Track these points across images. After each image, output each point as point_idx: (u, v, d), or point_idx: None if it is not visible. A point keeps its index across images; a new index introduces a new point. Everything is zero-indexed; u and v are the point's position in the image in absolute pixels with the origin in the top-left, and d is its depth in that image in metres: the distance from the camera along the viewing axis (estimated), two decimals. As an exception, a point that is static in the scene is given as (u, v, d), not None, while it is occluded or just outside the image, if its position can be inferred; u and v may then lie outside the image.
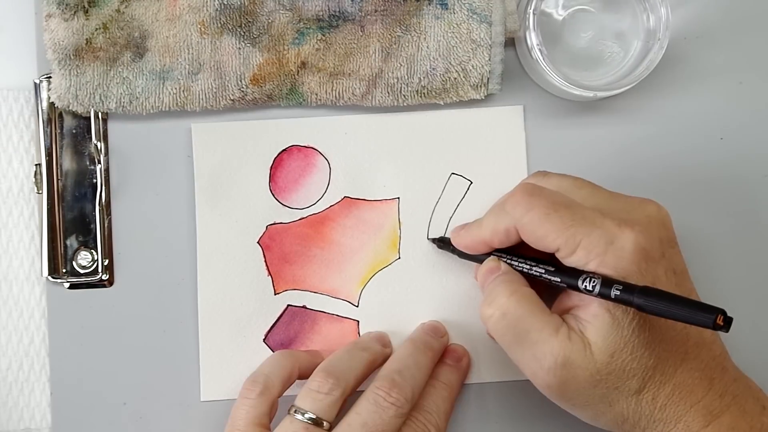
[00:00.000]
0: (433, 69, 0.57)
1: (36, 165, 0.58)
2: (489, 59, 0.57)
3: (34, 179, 0.58)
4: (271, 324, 0.58)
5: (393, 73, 0.57)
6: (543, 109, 0.59)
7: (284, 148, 0.59)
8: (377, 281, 0.58)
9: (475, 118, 0.59)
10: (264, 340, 0.58)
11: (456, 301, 0.58)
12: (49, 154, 0.58)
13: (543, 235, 0.49)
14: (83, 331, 0.58)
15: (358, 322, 0.58)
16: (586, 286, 0.47)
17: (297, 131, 0.59)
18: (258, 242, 0.58)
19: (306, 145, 0.59)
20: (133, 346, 0.58)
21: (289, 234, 0.58)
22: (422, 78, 0.57)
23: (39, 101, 0.58)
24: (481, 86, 0.57)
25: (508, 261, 0.53)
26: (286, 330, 0.58)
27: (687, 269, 0.50)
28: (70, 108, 0.57)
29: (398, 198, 0.58)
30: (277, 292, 0.58)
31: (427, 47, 0.57)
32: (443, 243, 0.57)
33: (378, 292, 0.58)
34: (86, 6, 0.57)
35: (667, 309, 0.45)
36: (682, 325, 0.48)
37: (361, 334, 0.58)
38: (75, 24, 0.57)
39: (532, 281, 0.52)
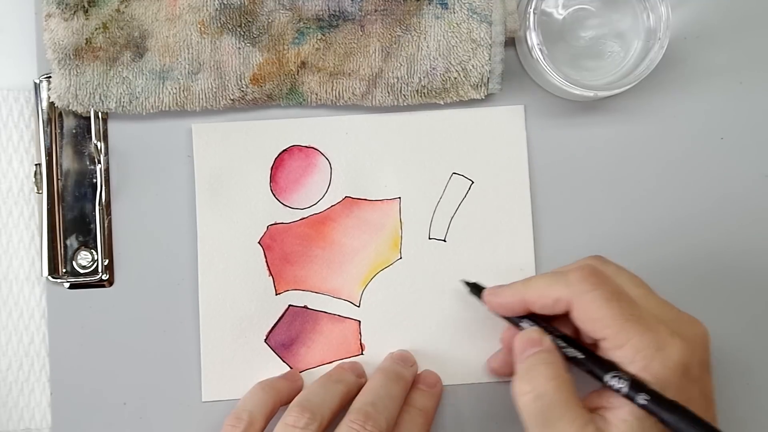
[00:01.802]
0: (433, 69, 0.57)
1: (36, 165, 0.58)
2: (489, 59, 0.57)
3: (34, 179, 0.58)
4: (272, 324, 0.58)
5: (393, 72, 0.57)
6: (543, 108, 0.59)
7: (285, 148, 0.59)
8: (378, 281, 0.58)
9: (476, 117, 0.59)
10: (265, 340, 0.58)
11: (457, 301, 0.58)
12: (49, 154, 0.58)
13: (598, 318, 0.48)
14: (83, 331, 0.58)
15: (359, 322, 0.58)
16: (614, 384, 0.47)
17: (298, 131, 0.59)
18: (259, 242, 0.58)
19: (307, 145, 0.59)
20: (133, 346, 0.58)
21: (290, 234, 0.58)
22: (422, 78, 0.57)
23: (39, 101, 0.58)
24: (481, 86, 0.57)
25: (549, 333, 0.51)
26: (288, 330, 0.58)
27: (714, 397, 0.49)
28: (70, 108, 0.57)
29: (399, 198, 0.59)
30: (278, 292, 0.58)
31: (427, 47, 0.57)
32: (476, 288, 0.55)
33: (379, 292, 0.58)
34: (86, 6, 0.57)
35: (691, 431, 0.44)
36: None
37: (362, 334, 0.58)
38: (75, 24, 0.56)
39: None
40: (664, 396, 0.46)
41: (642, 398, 0.45)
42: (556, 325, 0.51)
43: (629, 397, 0.46)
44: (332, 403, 0.54)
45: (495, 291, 0.53)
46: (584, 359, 0.49)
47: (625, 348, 0.47)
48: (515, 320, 0.52)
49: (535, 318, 0.52)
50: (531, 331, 0.51)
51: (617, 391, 0.46)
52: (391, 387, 0.54)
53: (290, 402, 0.54)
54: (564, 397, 0.48)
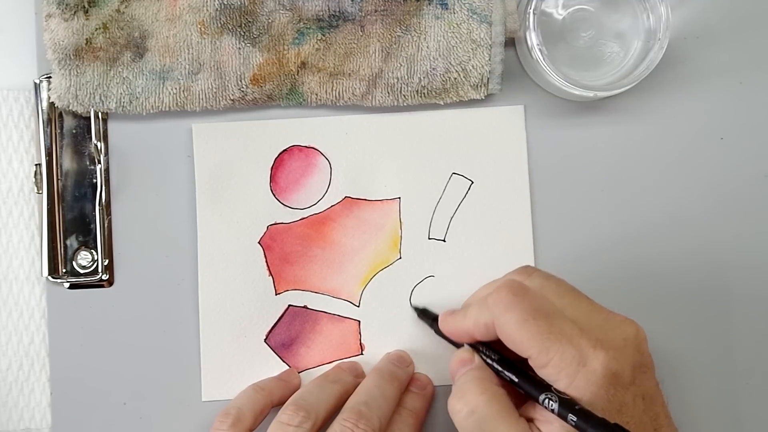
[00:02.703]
0: (433, 69, 0.57)
1: (36, 165, 0.58)
2: (489, 59, 0.57)
3: (34, 179, 0.58)
4: (272, 324, 0.58)
5: (393, 73, 0.57)
6: (543, 109, 0.59)
7: (285, 148, 0.59)
8: (378, 281, 0.58)
9: (476, 118, 0.59)
10: (265, 340, 0.58)
11: (456, 301, 0.58)
12: (49, 154, 0.58)
13: (517, 340, 0.47)
14: (83, 331, 0.58)
15: (359, 322, 0.58)
16: (546, 404, 0.47)
17: (298, 131, 0.59)
18: (259, 242, 0.58)
19: (307, 145, 0.59)
20: (133, 346, 0.58)
21: (290, 234, 0.58)
22: (422, 78, 0.57)
23: (39, 101, 0.58)
24: (481, 86, 0.57)
25: (483, 354, 0.51)
26: (287, 330, 0.58)
27: (659, 392, 0.49)
28: (70, 108, 0.57)
29: (399, 198, 0.59)
30: (278, 292, 0.58)
31: (427, 47, 0.57)
32: (424, 315, 0.57)
33: (379, 292, 0.58)
34: (86, 6, 0.57)
35: None
36: None
37: (362, 334, 0.58)
38: (75, 24, 0.56)
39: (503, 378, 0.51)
40: (591, 413, 0.45)
41: (570, 418, 0.45)
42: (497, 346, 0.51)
43: (561, 415, 0.46)
44: (327, 402, 0.54)
45: (444, 319, 0.54)
46: (519, 382, 0.49)
47: (548, 367, 0.47)
48: (458, 345, 0.53)
49: (483, 343, 0.52)
50: (462, 351, 0.52)
51: (551, 410, 0.46)
52: (386, 387, 0.55)
53: (285, 402, 0.54)
54: (496, 409, 0.48)
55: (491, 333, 0.49)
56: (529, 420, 0.48)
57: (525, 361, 0.48)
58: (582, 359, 0.46)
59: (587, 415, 0.45)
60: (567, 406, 0.46)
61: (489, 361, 0.51)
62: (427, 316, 0.57)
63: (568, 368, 0.46)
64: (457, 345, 0.53)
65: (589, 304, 0.50)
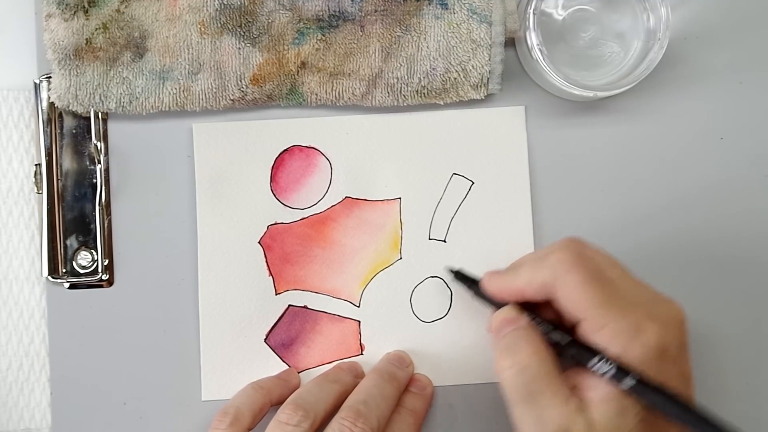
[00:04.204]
0: (433, 69, 0.57)
1: (36, 165, 0.58)
2: (489, 59, 0.57)
3: (34, 179, 0.58)
4: (272, 324, 0.58)
5: (393, 73, 0.57)
6: (543, 109, 0.59)
7: (285, 148, 0.59)
8: (378, 281, 0.58)
9: (477, 118, 0.59)
10: (265, 340, 0.58)
11: (457, 302, 0.58)
12: (49, 154, 0.58)
13: (577, 300, 0.48)
14: (83, 331, 0.58)
15: (359, 322, 0.58)
16: (600, 367, 0.47)
17: (298, 131, 0.59)
18: (259, 242, 0.58)
19: (307, 145, 0.59)
20: (133, 346, 0.58)
21: (290, 234, 0.58)
22: (422, 78, 0.57)
23: (39, 101, 0.58)
24: (481, 86, 0.57)
25: (530, 317, 0.51)
26: (287, 330, 0.58)
27: (692, 377, 0.50)
28: (70, 108, 0.57)
29: (400, 198, 0.59)
30: (278, 292, 0.58)
31: (427, 47, 0.57)
32: (462, 277, 0.56)
33: (379, 292, 0.58)
34: (86, 6, 0.57)
35: (678, 413, 0.45)
36: None
37: (362, 334, 0.58)
38: (75, 24, 0.56)
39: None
40: (648, 379, 0.46)
41: (629, 381, 0.46)
42: (543, 312, 0.52)
43: (615, 380, 0.46)
44: (326, 402, 0.54)
45: (490, 278, 0.53)
46: (569, 343, 0.49)
47: (604, 331, 0.47)
48: (498, 304, 0.53)
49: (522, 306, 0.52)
50: (507, 309, 0.52)
51: (603, 374, 0.47)
52: (384, 387, 0.55)
53: (284, 401, 0.54)
54: (546, 371, 0.48)
55: (545, 292, 0.50)
56: (572, 386, 0.49)
57: (570, 329, 0.49)
58: (638, 328, 0.47)
59: (646, 379, 0.46)
60: (624, 370, 0.46)
61: (537, 322, 0.51)
62: (465, 279, 0.56)
63: (622, 335, 0.47)
64: (497, 307, 0.53)
65: (635, 280, 0.50)
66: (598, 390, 0.47)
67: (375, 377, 0.55)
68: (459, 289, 0.57)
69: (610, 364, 0.47)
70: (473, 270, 0.57)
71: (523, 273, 0.51)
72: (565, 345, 0.49)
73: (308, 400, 0.53)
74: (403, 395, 0.56)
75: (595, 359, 0.47)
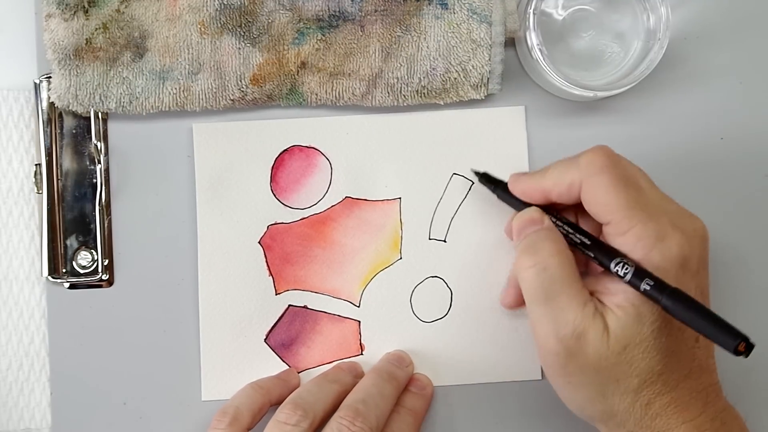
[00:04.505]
0: (433, 69, 0.57)
1: (36, 165, 0.58)
2: (489, 59, 0.57)
3: (34, 179, 0.58)
4: (272, 324, 0.58)
5: (393, 73, 0.57)
6: (543, 109, 0.59)
7: (285, 148, 0.59)
8: (378, 281, 0.58)
9: (478, 118, 0.59)
10: (265, 340, 0.58)
11: (457, 302, 0.58)
12: (49, 154, 0.58)
13: (604, 202, 0.48)
14: (83, 331, 0.58)
15: (359, 322, 0.58)
16: (618, 270, 0.47)
17: (298, 131, 0.59)
18: (259, 242, 0.58)
19: (307, 145, 0.59)
20: (133, 346, 0.58)
21: (290, 234, 0.58)
22: (422, 78, 0.57)
23: (39, 101, 0.58)
24: (481, 86, 0.57)
25: (552, 218, 0.52)
26: (287, 330, 0.58)
27: (709, 294, 0.50)
28: (70, 108, 0.57)
29: (400, 198, 0.58)
30: (278, 292, 0.58)
31: (427, 47, 0.57)
32: (487, 179, 0.56)
33: (379, 292, 0.58)
34: (86, 6, 0.57)
35: (694, 318, 0.45)
36: (692, 342, 0.49)
37: (362, 334, 0.58)
38: (75, 24, 0.56)
39: None
40: (666, 283, 0.46)
41: (645, 284, 0.46)
42: (566, 215, 0.52)
43: (632, 283, 0.47)
44: (326, 402, 0.54)
45: (517, 178, 0.54)
46: (590, 245, 0.50)
47: (628, 235, 0.48)
48: (522, 207, 0.53)
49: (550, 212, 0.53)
50: (530, 210, 0.52)
51: (621, 277, 0.47)
52: (384, 386, 0.55)
53: (283, 401, 0.54)
54: (567, 273, 0.49)
55: (572, 193, 0.50)
56: (591, 292, 0.49)
57: (595, 234, 0.49)
58: (661, 234, 0.47)
59: (663, 284, 0.46)
60: (642, 273, 0.47)
61: (559, 224, 0.51)
62: (490, 180, 0.56)
63: (646, 240, 0.47)
64: (519, 209, 0.53)
65: (662, 193, 0.51)
66: (617, 296, 0.48)
67: (374, 377, 0.55)
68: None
69: (630, 266, 0.47)
70: (473, 270, 0.57)
71: (551, 173, 0.51)
72: (587, 246, 0.50)
73: (307, 399, 0.53)
74: (403, 395, 0.56)
75: (615, 261, 0.48)
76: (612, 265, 0.48)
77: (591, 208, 0.49)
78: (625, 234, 0.48)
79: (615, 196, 0.48)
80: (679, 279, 0.47)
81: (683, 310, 0.45)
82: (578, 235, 0.51)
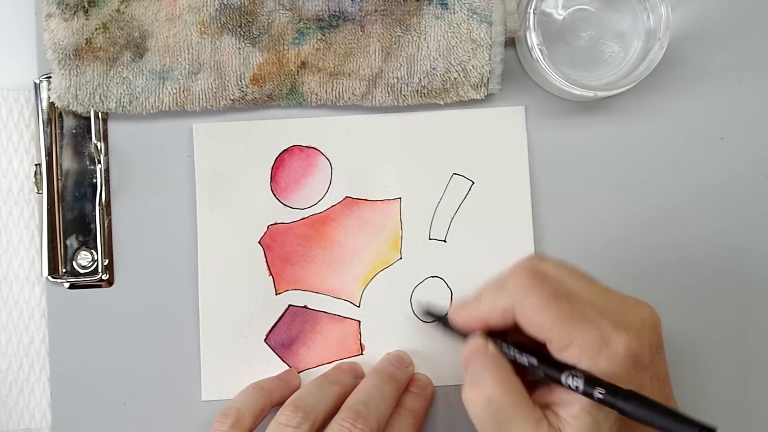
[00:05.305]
0: (433, 69, 0.57)
1: (36, 165, 0.58)
2: (489, 59, 0.57)
3: (34, 179, 0.58)
4: (272, 324, 0.58)
5: (393, 73, 0.57)
6: (543, 108, 0.59)
7: (286, 148, 0.59)
8: (379, 281, 0.58)
9: (478, 118, 0.59)
10: (265, 340, 0.58)
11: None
12: (49, 154, 0.58)
13: (539, 323, 0.47)
14: (83, 331, 0.58)
15: (359, 322, 0.58)
16: (569, 382, 0.46)
17: (298, 131, 0.59)
18: (259, 242, 0.58)
19: (308, 145, 0.59)
20: (133, 346, 0.58)
21: (290, 234, 0.58)
22: (422, 78, 0.57)
23: (39, 101, 0.58)
24: (481, 86, 0.57)
25: (496, 343, 0.51)
26: (288, 330, 0.58)
27: (668, 375, 0.49)
28: (70, 108, 0.57)
29: (400, 198, 0.58)
30: (278, 292, 0.58)
31: (427, 47, 0.57)
32: (428, 314, 0.56)
33: (379, 292, 0.58)
34: (86, 6, 0.57)
35: (651, 417, 0.44)
36: None
37: (362, 334, 0.58)
38: (75, 24, 0.56)
39: (515, 367, 0.50)
40: (619, 387, 0.45)
41: (598, 392, 0.45)
42: (513, 335, 0.51)
43: (585, 393, 0.46)
44: (326, 403, 0.54)
45: (455, 310, 0.53)
46: (539, 365, 0.49)
47: (571, 348, 0.47)
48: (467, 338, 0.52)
49: (493, 334, 0.51)
50: (474, 338, 0.51)
51: (575, 389, 0.46)
52: (384, 387, 0.54)
53: (284, 402, 0.54)
54: (513, 398, 0.48)
55: (508, 318, 0.49)
56: (543, 407, 0.48)
57: (539, 349, 0.48)
58: (604, 340, 0.46)
59: (616, 389, 0.45)
60: (593, 382, 0.46)
61: (504, 348, 0.50)
62: (431, 315, 0.56)
63: (590, 349, 0.46)
64: (467, 338, 0.52)
65: (602, 287, 0.50)
66: (572, 407, 0.47)
67: (374, 378, 0.55)
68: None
69: (579, 377, 0.46)
70: (474, 270, 0.57)
71: (484, 301, 0.51)
72: (534, 366, 0.49)
73: (308, 401, 0.53)
74: (403, 395, 0.56)
75: (564, 374, 0.47)
76: (563, 379, 0.47)
77: (528, 330, 0.48)
78: (569, 348, 0.47)
79: (548, 315, 0.47)
80: (632, 377, 0.46)
81: (639, 411, 0.44)
82: (524, 355, 0.50)
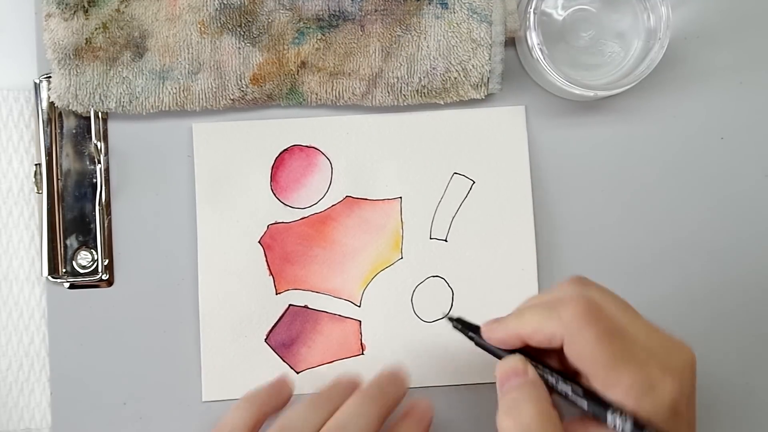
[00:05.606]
0: (434, 68, 0.57)
1: (36, 165, 0.58)
2: (489, 59, 0.57)
3: (34, 179, 0.58)
4: (272, 324, 0.58)
5: (393, 72, 0.57)
6: (543, 108, 0.59)
7: (286, 147, 0.59)
8: (379, 281, 0.58)
9: (478, 118, 0.59)
10: (265, 340, 0.58)
11: (457, 302, 0.58)
12: (49, 154, 0.58)
13: (590, 357, 0.46)
14: (83, 331, 0.58)
15: (359, 322, 0.58)
16: (617, 422, 0.45)
17: (299, 131, 0.59)
18: (259, 242, 0.58)
19: (308, 144, 0.59)
20: (133, 346, 0.58)
21: (290, 234, 0.58)
22: (422, 78, 0.57)
23: (39, 101, 0.58)
24: (481, 86, 0.58)
25: (535, 366, 0.49)
26: (288, 330, 0.58)
27: (695, 420, 0.48)
28: (70, 108, 0.57)
29: (400, 198, 0.59)
30: (278, 291, 0.58)
31: (427, 47, 0.57)
32: (460, 324, 0.52)
33: (380, 292, 0.58)
34: (86, 6, 0.57)
35: None
36: None
37: (363, 334, 0.58)
38: (75, 24, 0.56)
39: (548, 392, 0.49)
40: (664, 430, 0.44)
41: None
42: (547, 358, 0.49)
43: None
44: (315, 425, 0.51)
45: (491, 327, 0.51)
46: (581, 396, 0.47)
47: (617, 388, 0.46)
48: (500, 353, 0.50)
49: (526, 350, 0.50)
50: (514, 359, 0.49)
51: (620, 430, 0.45)
52: (368, 407, 0.51)
53: (277, 412, 0.52)
54: None
55: (552, 344, 0.48)
56: None
57: (573, 377, 0.47)
58: (651, 384, 0.45)
59: None
60: (641, 425, 0.44)
61: (545, 373, 0.48)
62: (465, 326, 0.52)
63: (636, 391, 0.45)
64: (498, 356, 0.50)
65: (646, 323, 0.48)
66: None
67: (359, 397, 0.52)
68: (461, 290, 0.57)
69: (627, 419, 0.45)
70: (474, 270, 0.57)
71: (528, 321, 0.49)
72: (576, 396, 0.47)
73: (296, 424, 0.51)
74: (398, 424, 0.53)
75: (609, 413, 0.45)
76: (609, 417, 0.46)
77: (574, 362, 0.47)
78: (615, 387, 0.46)
79: (601, 353, 0.46)
80: (672, 423, 0.46)
81: None
82: (565, 385, 0.48)
